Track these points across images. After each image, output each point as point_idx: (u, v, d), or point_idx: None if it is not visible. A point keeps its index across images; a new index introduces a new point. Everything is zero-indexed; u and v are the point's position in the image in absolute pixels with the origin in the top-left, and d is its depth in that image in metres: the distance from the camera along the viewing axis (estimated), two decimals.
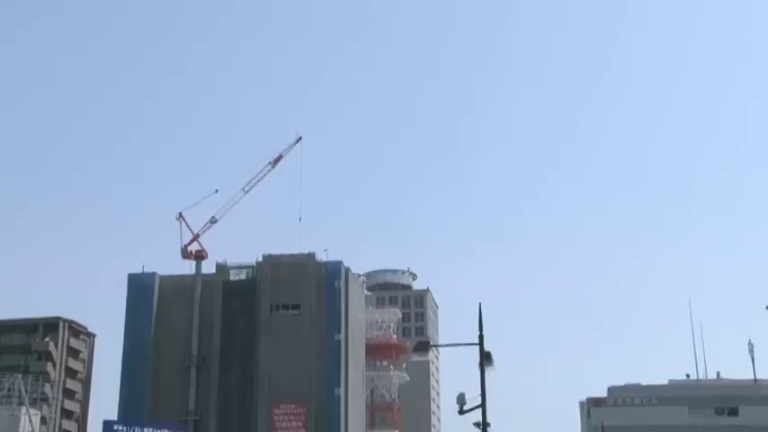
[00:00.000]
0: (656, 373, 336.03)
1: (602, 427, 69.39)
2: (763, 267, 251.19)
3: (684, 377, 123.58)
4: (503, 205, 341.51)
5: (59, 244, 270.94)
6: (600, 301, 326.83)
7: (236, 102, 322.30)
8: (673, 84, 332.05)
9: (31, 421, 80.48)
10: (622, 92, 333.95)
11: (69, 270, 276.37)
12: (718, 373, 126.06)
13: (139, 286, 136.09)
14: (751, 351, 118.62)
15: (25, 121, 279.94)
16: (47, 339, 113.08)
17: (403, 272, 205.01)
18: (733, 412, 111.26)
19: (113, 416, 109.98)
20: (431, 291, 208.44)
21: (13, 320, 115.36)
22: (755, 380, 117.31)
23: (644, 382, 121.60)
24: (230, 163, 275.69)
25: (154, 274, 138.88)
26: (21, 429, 79.97)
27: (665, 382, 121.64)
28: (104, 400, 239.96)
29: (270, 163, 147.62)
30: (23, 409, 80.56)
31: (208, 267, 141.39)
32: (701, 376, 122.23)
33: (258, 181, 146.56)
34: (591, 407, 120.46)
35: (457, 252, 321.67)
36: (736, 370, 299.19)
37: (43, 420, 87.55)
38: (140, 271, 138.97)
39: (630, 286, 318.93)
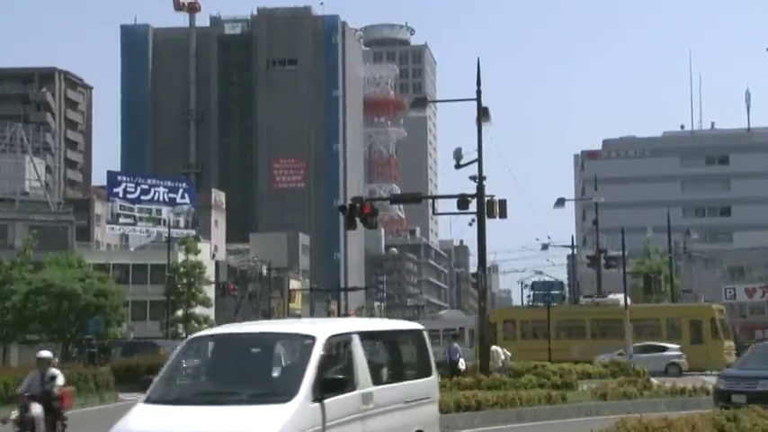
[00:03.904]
0: (652, 126, 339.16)
1: (596, 179, 70.71)
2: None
3: (679, 129, 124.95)
4: None
5: None
6: (600, 55, 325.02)
7: None
8: None
9: (35, 169, 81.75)
10: None
11: (60, 22, 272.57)
12: (712, 124, 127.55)
13: (133, 38, 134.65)
14: (747, 100, 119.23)
15: None
16: (44, 90, 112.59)
17: (401, 26, 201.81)
18: (724, 161, 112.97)
19: (116, 168, 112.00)
20: (429, 46, 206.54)
21: (6, 69, 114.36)
22: (749, 129, 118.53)
23: (639, 135, 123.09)
24: None
25: (147, 26, 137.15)
26: (26, 177, 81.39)
27: (660, 135, 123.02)
28: (106, 152, 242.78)
29: None
30: (27, 158, 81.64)
31: (201, 20, 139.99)
32: (695, 127, 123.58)
33: None
34: (585, 159, 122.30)
35: (456, 5, 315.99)
36: (731, 120, 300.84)
37: (48, 169, 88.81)
38: (133, 23, 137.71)
39: (631, 38, 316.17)
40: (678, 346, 40.74)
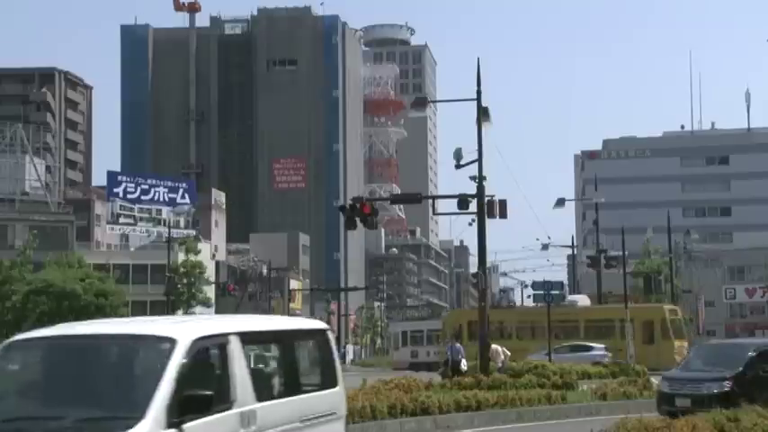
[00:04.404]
0: (652, 126, 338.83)
1: (596, 179, 70.77)
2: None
3: (679, 129, 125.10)
4: None
5: None
6: (600, 55, 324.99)
7: None
8: None
9: (35, 169, 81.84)
10: None
11: (60, 22, 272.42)
12: (712, 124, 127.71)
13: (133, 38, 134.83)
14: (747, 100, 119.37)
15: None
16: (44, 90, 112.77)
17: (401, 26, 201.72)
18: (724, 161, 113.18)
19: (116, 168, 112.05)
20: (429, 46, 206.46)
21: (6, 69, 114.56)
22: (749, 129, 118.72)
23: (639, 135, 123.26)
24: None
25: (147, 26, 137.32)
26: (26, 177, 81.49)
27: (660, 135, 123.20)
28: (106, 152, 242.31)
29: None
30: (27, 158, 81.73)
31: (202, 21, 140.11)
32: (695, 127, 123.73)
33: None
34: (585, 160, 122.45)
35: (456, 5, 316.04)
36: (731, 120, 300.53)
37: (48, 169, 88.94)
38: (133, 23, 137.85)
39: (631, 38, 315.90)
40: (603, 346, 40.74)
